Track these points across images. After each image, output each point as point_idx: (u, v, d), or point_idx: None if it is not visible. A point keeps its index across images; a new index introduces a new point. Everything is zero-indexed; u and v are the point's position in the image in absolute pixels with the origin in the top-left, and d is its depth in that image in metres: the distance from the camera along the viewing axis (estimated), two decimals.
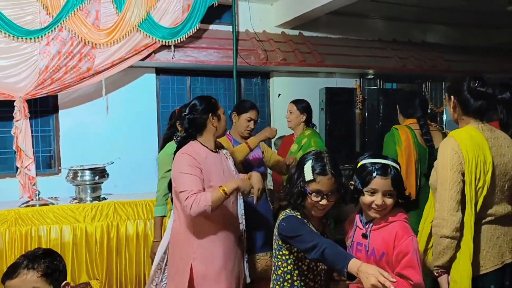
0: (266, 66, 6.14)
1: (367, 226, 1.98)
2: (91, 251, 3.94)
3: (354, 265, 1.62)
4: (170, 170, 2.63)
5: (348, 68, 6.68)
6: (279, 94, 6.51)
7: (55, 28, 4.86)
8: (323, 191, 1.92)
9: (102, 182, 4.21)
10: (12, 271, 1.59)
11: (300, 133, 3.69)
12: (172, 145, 3.31)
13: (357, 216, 2.06)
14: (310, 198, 1.92)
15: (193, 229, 2.43)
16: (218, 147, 2.65)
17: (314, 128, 3.79)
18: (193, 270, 2.39)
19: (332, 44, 6.71)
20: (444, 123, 7.92)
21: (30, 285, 1.56)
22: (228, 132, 3.28)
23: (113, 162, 4.33)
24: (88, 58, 5.07)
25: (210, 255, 2.43)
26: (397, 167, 1.93)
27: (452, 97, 2.17)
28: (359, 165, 1.97)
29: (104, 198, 4.17)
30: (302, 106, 3.68)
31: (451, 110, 2.20)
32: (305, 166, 1.95)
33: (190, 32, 5.50)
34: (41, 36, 4.81)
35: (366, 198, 1.91)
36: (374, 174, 1.88)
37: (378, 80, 7.33)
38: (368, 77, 7.23)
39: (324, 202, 1.92)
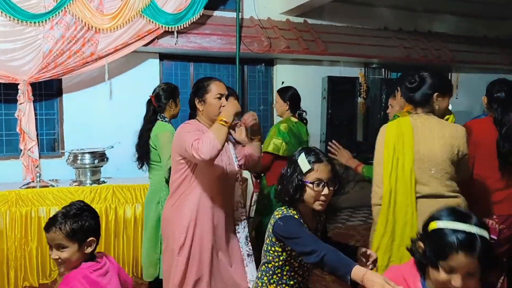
0: (269, 54, 6.15)
1: None
2: None
3: (358, 272, 1.55)
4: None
5: (352, 57, 6.66)
6: (283, 82, 6.51)
7: (59, 13, 4.90)
8: (323, 179, 1.85)
9: (102, 166, 4.28)
10: (48, 225, 1.84)
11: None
12: (164, 124, 3.37)
13: (418, 281, 1.57)
14: (312, 189, 1.85)
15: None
16: None
17: (303, 114, 3.78)
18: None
19: (336, 32, 6.69)
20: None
21: (57, 241, 1.81)
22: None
23: (112, 147, 4.39)
24: (92, 43, 5.11)
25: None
26: (486, 235, 1.44)
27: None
28: (433, 227, 1.48)
29: (104, 182, 4.25)
30: (286, 94, 3.68)
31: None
32: (299, 159, 1.90)
33: (193, 18, 5.52)
34: (45, 20, 4.86)
35: (441, 276, 1.44)
36: (456, 249, 1.40)
37: (382, 70, 7.30)
38: (373, 66, 7.20)
39: (326, 191, 1.85)
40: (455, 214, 1.48)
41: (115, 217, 4.06)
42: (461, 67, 7.60)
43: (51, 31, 4.93)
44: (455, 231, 1.42)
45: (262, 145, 2.62)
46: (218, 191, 2.47)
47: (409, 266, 1.61)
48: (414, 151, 2.29)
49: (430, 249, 1.47)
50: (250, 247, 2.61)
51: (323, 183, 1.85)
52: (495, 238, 2.70)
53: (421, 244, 1.52)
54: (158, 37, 5.48)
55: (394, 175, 2.31)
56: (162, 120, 3.41)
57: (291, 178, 1.89)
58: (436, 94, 2.36)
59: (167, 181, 3.14)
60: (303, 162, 1.88)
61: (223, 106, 2.43)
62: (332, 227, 5.94)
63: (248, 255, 2.57)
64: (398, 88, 3.12)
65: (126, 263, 4.12)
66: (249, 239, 2.63)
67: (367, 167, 2.84)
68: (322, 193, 1.85)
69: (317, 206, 1.88)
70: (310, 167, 1.86)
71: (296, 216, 1.89)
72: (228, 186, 2.54)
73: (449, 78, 7.71)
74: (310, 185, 1.85)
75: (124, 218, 4.09)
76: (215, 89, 2.52)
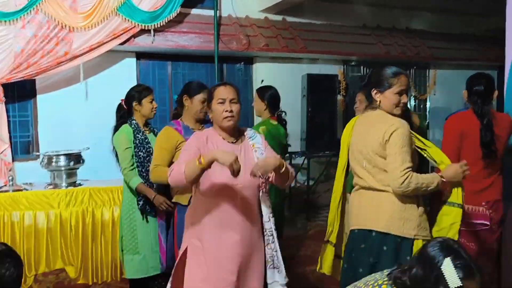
0: (248, 52, 6.10)
1: None
2: (66, 237, 3.92)
3: None
4: (128, 147, 3.17)
5: (331, 54, 6.65)
6: (262, 80, 6.47)
7: (30, 11, 4.77)
8: None
9: (78, 168, 4.17)
10: None
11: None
12: (123, 127, 3.30)
13: None
14: None
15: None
16: (238, 136, 2.39)
17: (282, 115, 3.72)
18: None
19: (315, 30, 6.68)
20: (428, 110, 7.94)
21: None
22: (179, 119, 3.01)
23: (89, 148, 4.28)
24: (66, 42, 4.99)
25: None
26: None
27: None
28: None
29: (80, 184, 4.14)
30: (264, 94, 3.60)
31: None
32: (445, 269, 1.46)
33: (170, 16, 5.44)
34: (16, 19, 4.72)
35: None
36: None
37: (361, 67, 7.31)
38: (352, 64, 7.21)
39: None
40: (450, 251, 1.50)
41: (92, 220, 3.96)
42: (439, 64, 7.68)
43: (22, 30, 4.79)
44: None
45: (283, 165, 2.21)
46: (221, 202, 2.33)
47: None
48: (352, 145, 2.41)
49: None
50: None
51: None
52: (488, 223, 2.81)
53: None
54: (134, 36, 5.38)
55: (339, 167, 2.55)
56: (128, 123, 3.31)
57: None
58: (373, 90, 2.33)
59: (127, 183, 3.25)
60: (451, 275, 1.45)
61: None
62: (314, 225, 5.93)
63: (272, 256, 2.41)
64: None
65: (105, 266, 4.01)
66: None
67: None
68: None
69: None
70: (461, 284, 1.44)
71: None
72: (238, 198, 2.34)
73: (427, 74, 7.80)
74: None
75: (102, 221, 3.99)
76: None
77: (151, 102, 3.26)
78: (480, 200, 2.84)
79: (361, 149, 2.33)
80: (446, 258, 1.46)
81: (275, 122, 3.57)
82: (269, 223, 2.35)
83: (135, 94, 3.27)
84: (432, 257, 1.50)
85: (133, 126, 3.28)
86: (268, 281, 2.37)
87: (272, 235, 2.36)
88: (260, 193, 2.33)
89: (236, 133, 2.37)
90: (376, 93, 2.31)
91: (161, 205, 3.06)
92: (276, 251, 2.37)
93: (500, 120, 2.88)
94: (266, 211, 2.36)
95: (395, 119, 2.25)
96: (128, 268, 3.32)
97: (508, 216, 2.88)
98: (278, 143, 3.46)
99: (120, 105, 3.48)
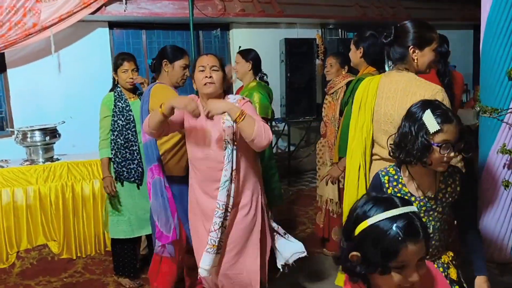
0: (224, 18, 5.97)
1: None
2: (47, 213, 3.88)
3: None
4: (106, 116, 3.29)
5: (309, 18, 6.56)
6: (240, 47, 6.32)
7: None
8: (451, 140, 1.66)
9: (54, 143, 4.08)
10: None
11: (246, 84, 3.59)
12: (109, 95, 3.37)
13: None
14: (437, 152, 1.66)
15: None
16: None
17: (264, 77, 3.69)
18: None
19: None
20: None
21: None
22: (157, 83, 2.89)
23: (64, 122, 4.19)
24: (33, 13, 4.79)
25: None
26: (415, 208, 1.31)
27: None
28: (364, 226, 1.27)
29: (57, 159, 4.07)
30: (247, 55, 3.57)
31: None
32: (425, 118, 1.67)
33: None
34: None
35: (394, 278, 1.24)
36: (404, 240, 1.20)
37: (339, 30, 7.24)
38: (330, 27, 7.13)
39: (452, 153, 1.67)
40: (379, 202, 1.29)
41: (72, 194, 3.91)
42: None
43: None
44: (391, 220, 1.23)
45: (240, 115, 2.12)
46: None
47: None
48: (375, 111, 2.15)
49: (373, 254, 1.23)
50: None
51: (451, 145, 1.66)
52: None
53: (357, 254, 1.26)
54: (105, 4, 5.20)
55: (357, 135, 2.24)
56: (113, 91, 3.33)
57: (415, 138, 1.68)
58: (411, 48, 2.10)
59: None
60: (430, 121, 1.65)
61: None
62: (296, 189, 5.99)
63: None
64: (360, 46, 3.05)
65: (88, 240, 4.00)
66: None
67: None
68: (450, 155, 1.67)
69: (439, 167, 1.71)
70: (439, 128, 1.64)
71: (395, 177, 1.80)
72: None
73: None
74: (437, 147, 1.65)
75: (82, 195, 3.95)
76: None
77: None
78: None
79: (386, 117, 2.11)
80: (426, 110, 1.67)
81: (262, 83, 3.56)
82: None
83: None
84: (414, 112, 1.72)
85: (115, 94, 3.31)
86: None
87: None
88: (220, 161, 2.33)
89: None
90: (413, 51, 2.09)
91: (106, 188, 3.27)
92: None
93: (455, 79, 3.09)
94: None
95: (436, 85, 2.05)
96: (112, 229, 3.41)
97: (485, 167, 3.02)
98: (270, 103, 3.46)
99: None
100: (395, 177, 1.81)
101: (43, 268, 3.77)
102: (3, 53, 5.02)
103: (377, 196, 1.34)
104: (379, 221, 1.24)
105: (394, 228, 1.21)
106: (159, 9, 5.55)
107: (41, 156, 3.99)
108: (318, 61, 6.80)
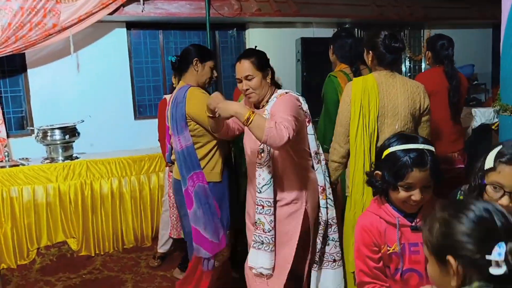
0: (240, 17, 5.98)
1: (417, 220, 1.69)
2: (66, 210, 3.94)
3: None
4: None
5: (325, 17, 6.53)
6: (256, 46, 6.34)
7: None
8: (504, 186, 1.40)
9: (73, 141, 4.15)
10: None
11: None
12: None
13: (395, 214, 1.69)
14: (486, 193, 1.45)
15: None
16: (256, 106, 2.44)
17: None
18: None
19: None
20: (423, 71, 7.88)
21: None
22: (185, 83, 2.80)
23: (83, 121, 4.26)
24: (53, 14, 4.86)
25: None
26: (433, 149, 1.63)
27: (370, 51, 2.46)
28: (386, 152, 1.66)
29: (76, 157, 4.13)
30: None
31: (369, 62, 2.50)
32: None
33: None
34: None
35: (401, 194, 1.62)
36: (411, 167, 1.57)
37: (356, 30, 7.20)
38: (346, 26, 7.09)
39: (505, 201, 1.39)
40: (403, 138, 1.66)
41: (91, 192, 3.97)
42: (434, 24, 7.57)
43: (8, 2, 4.65)
44: (406, 151, 1.61)
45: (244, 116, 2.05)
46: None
47: (373, 202, 1.79)
48: (379, 106, 2.34)
49: (388, 174, 1.63)
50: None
51: (503, 191, 1.40)
52: (463, 166, 3.29)
53: (379, 173, 1.69)
54: (123, 5, 5.24)
55: (360, 132, 2.35)
56: None
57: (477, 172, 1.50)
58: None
59: None
60: (490, 156, 1.45)
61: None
62: None
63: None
64: (332, 45, 3.32)
65: (106, 238, 4.06)
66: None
67: None
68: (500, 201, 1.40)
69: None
70: (492, 166, 1.43)
71: None
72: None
73: (421, 35, 7.71)
74: (489, 188, 1.44)
75: (101, 193, 4.00)
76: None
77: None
78: (454, 149, 3.30)
79: (392, 110, 2.35)
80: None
81: None
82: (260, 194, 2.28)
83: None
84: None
85: None
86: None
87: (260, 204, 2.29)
88: (258, 159, 2.28)
89: (260, 103, 2.40)
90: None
91: None
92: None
93: (461, 81, 3.28)
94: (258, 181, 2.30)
95: (419, 83, 2.47)
96: None
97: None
98: None
99: None
100: None
101: (63, 265, 3.84)
102: (24, 53, 5.10)
103: (404, 133, 1.76)
104: (397, 150, 1.63)
105: (406, 157, 1.59)
106: (176, 9, 5.59)
107: (60, 154, 4.06)
108: None
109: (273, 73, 2.40)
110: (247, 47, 6.51)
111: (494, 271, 0.95)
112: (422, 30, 7.68)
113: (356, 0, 6.77)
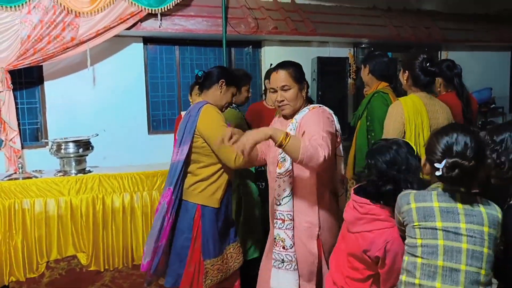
0: (257, 35, 5.99)
1: None
2: (77, 224, 3.90)
3: None
4: None
5: (341, 37, 6.53)
6: (271, 64, 6.36)
7: None
8: None
9: (87, 155, 4.13)
10: None
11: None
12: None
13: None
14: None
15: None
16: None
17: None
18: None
19: (325, 12, 6.55)
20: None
21: None
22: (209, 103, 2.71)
23: (97, 134, 4.24)
24: (72, 27, 4.92)
25: None
26: None
27: (406, 71, 2.65)
28: None
29: (89, 171, 4.11)
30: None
31: (404, 81, 2.69)
32: None
33: (177, 0, 5.33)
34: (22, 4, 4.65)
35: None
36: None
37: (372, 50, 7.17)
38: (362, 46, 7.08)
39: None
40: None
41: (103, 207, 3.93)
42: (451, 45, 7.52)
43: (28, 15, 4.72)
44: None
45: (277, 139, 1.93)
46: None
47: None
48: (432, 126, 2.50)
49: None
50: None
51: None
52: None
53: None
54: (141, 20, 5.30)
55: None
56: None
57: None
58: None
59: None
60: None
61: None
62: None
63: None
64: (366, 64, 3.34)
65: (116, 254, 4.00)
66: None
67: None
68: None
69: None
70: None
71: None
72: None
73: (439, 56, 7.65)
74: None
75: (112, 208, 3.96)
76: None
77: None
78: None
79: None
80: None
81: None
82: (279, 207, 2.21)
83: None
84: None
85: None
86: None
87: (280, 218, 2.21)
88: (278, 169, 2.22)
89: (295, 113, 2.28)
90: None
91: None
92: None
93: (472, 102, 3.35)
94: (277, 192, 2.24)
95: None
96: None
97: None
98: None
99: None
100: None
101: (72, 279, 3.79)
102: (41, 65, 5.15)
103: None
104: None
105: None
106: (193, 25, 5.62)
107: (73, 168, 4.04)
108: (350, 80, 6.75)
109: (308, 87, 2.32)
110: (262, 65, 6.52)
111: (436, 172, 1.54)
112: (439, 52, 7.63)
113: (373, 20, 6.77)
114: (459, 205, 1.56)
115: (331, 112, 2.26)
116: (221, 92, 2.69)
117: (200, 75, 2.74)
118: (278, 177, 2.18)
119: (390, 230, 1.76)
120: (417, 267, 1.56)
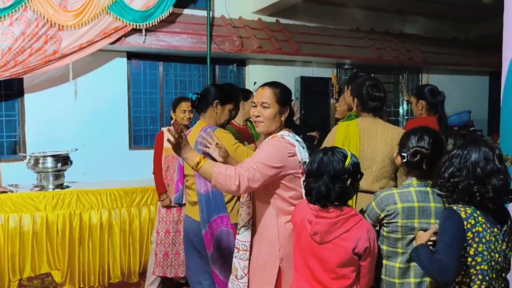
0: (241, 53, 6.02)
1: None
2: (52, 241, 3.81)
3: None
4: None
5: (325, 57, 6.60)
6: (255, 83, 6.38)
7: (19, 8, 4.64)
8: None
9: (65, 170, 4.06)
10: None
11: None
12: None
13: None
14: None
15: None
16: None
17: None
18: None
19: (309, 33, 6.63)
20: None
21: None
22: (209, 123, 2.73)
23: (77, 149, 4.18)
24: (55, 41, 4.87)
25: None
26: None
27: (355, 99, 2.71)
28: None
29: (67, 186, 4.04)
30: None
31: (354, 107, 2.76)
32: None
33: (162, 16, 5.34)
34: (4, 16, 4.59)
35: None
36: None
37: (354, 71, 7.25)
38: (345, 67, 7.17)
39: None
40: None
41: (80, 223, 3.86)
42: (432, 68, 7.67)
43: (10, 27, 4.66)
44: None
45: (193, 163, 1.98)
46: None
47: None
48: (360, 150, 2.52)
49: None
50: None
51: None
52: None
53: None
54: (125, 35, 5.27)
55: None
56: None
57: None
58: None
59: None
60: None
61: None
62: None
63: None
64: (349, 86, 3.21)
65: (92, 271, 3.92)
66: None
67: None
68: None
69: None
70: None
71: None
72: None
73: (419, 79, 7.79)
74: None
75: (90, 225, 3.89)
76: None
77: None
78: None
79: (371, 154, 2.53)
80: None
81: None
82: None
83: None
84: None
85: None
86: None
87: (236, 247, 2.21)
88: (241, 198, 2.25)
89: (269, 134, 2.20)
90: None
91: None
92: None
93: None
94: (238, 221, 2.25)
95: (401, 128, 2.67)
96: None
97: None
98: None
99: None
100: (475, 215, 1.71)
101: None
102: (22, 78, 5.08)
103: None
104: None
105: None
106: (177, 42, 5.62)
107: (51, 183, 3.96)
108: (332, 100, 6.80)
109: (290, 114, 2.22)
110: (246, 83, 6.54)
111: (404, 160, 1.92)
112: (420, 74, 7.77)
113: (356, 42, 6.87)
114: (432, 204, 1.89)
115: (297, 142, 2.13)
116: (217, 112, 2.70)
117: (194, 99, 2.74)
118: (240, 206, 2.21)
119: (363, 220, 1.91)
120: (398, 254, 1.91)
